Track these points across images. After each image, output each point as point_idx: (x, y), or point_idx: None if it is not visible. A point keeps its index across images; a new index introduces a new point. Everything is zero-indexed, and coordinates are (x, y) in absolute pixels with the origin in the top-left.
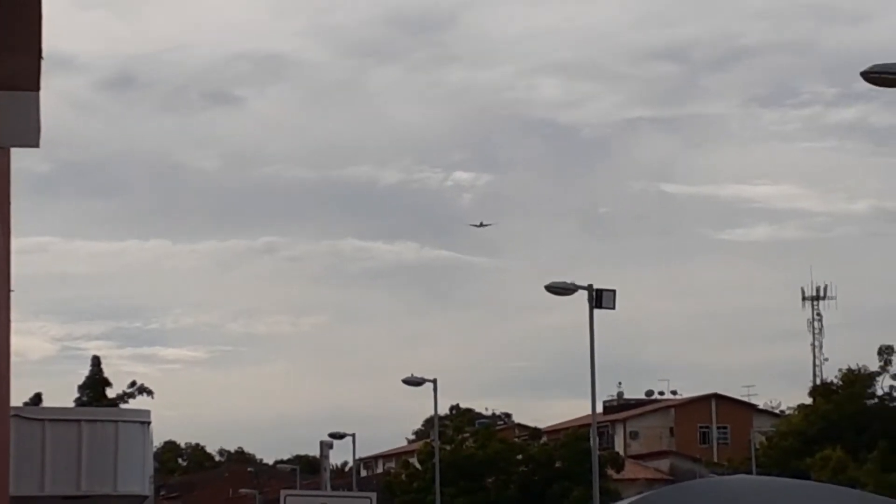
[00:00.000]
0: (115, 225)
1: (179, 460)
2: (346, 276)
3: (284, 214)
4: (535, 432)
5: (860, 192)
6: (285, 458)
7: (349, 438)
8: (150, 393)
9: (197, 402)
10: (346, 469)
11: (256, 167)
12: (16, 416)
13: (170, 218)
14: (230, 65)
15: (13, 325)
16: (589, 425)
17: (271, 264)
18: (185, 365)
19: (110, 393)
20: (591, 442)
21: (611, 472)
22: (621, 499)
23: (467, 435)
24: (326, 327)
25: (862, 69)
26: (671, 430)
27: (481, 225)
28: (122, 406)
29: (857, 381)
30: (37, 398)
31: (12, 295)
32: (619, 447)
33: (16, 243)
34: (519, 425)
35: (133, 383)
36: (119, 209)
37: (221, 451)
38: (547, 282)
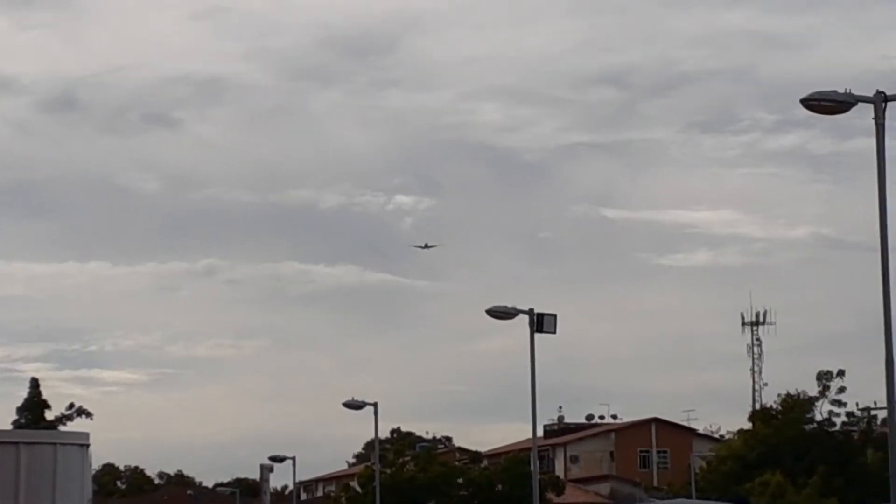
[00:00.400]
0: (55, 247)
1: (118, 483)
2: (287, 299)
3: (225, 237)
4: (475, 456)
5: (799, 219)
6: (225, 481)
7: (289, 461)
8: (88, 415)
9: (136, 424)
10: (287, 492)
11: (197, 189)
12: None
13: (109, 240)
14: (171, 87)
15: None
16: (529, 449)
17: (212, 287)
18: (125, 387)
19: (49, 415)
20: (532, 466)
21: (551, 496)
22: None
23: (408, 458)
24: (267, 350)
25: (801, 96)
26: (611, 454)
27: (426, 246)
28: (61, 428)
29: (797, 406)
30: None
31: None
32: (559, 471)
33: None
34: (460, 449)
35: (72, 405)
36: (58, 231)
37: (161, 474)
38: (488, 306)
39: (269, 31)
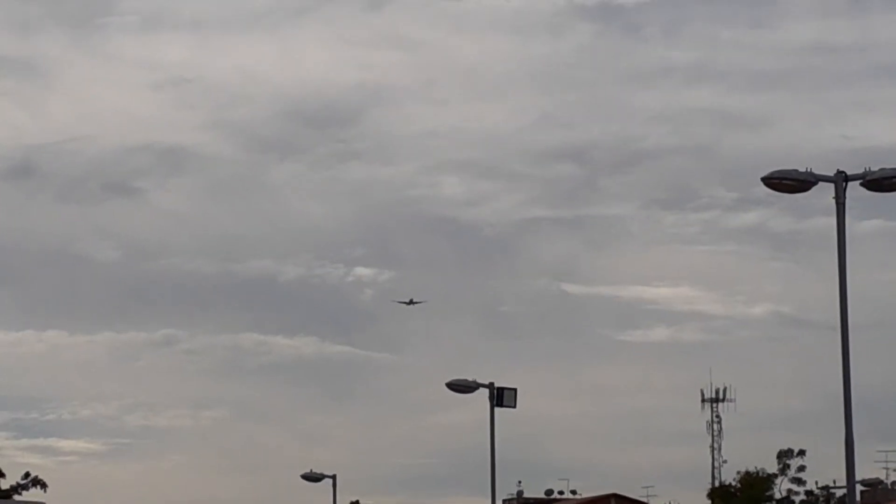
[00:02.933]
0: (12, 314)
1: None
2: (246, 370)
3: (184, 307)
4: None
5: (759, 297)
6: None
7: None
8: (44, 486)
9: (92, 494)
10: None
11: (156, 259)
12: None
13: (67, 309)
14: (132, 156)
15: None
16: None
17: (170, 357)
18: (82, 457)
19: (3, 484)
20: None
21: None
22: None
23: None
24: (225, 421)
25: (761, 174)
26: None
27: (411, 302)
28: (16, 498)
29: (756, 483)
30: None
31: None
32: None
33: None
34: None
35: (27, 475)
36: (16, 299)
37: None
38: (448, 379)
39: (230, 102)
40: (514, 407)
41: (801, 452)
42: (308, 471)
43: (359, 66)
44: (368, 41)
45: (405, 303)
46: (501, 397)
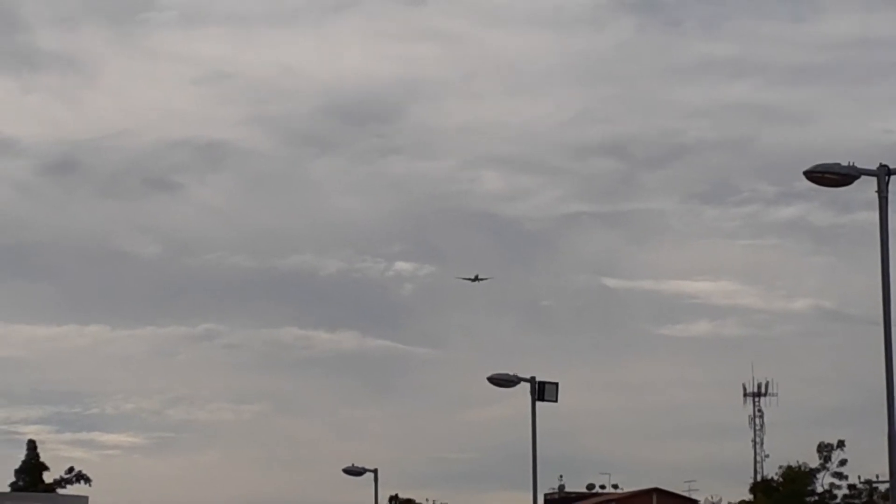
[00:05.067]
0: (55, 310)
1: None
2: (286, 364)
3: (224, 302)
4: None
5: (799, 291)
6: None
7: None
8: (87, 480)
9: (135, 488)
10: None
11: (196, 254)
12: None
13: (109, 303)
14: (172, 151)
15: None
16: None
17: (211, 351)
18: (124, 451)
19: (48, 477)
20: None
21: None
22: None
23: None
24: (266, 415)
25: (802, 168)
26: None
27: (476, 279)
28: (60, 491)
29: (798, 478)
30: None
31: None
32: None
33: None
34: None
35: (71, 469)
36: (59, 294)
37: None
38: (489, 373)
39: (271, 98)
40: (556, 401)
41: (841, 444)
42: (349, 465)
43: (398, 60)
44: (408, 36)
45: (470, 279)
46: (543, 392)
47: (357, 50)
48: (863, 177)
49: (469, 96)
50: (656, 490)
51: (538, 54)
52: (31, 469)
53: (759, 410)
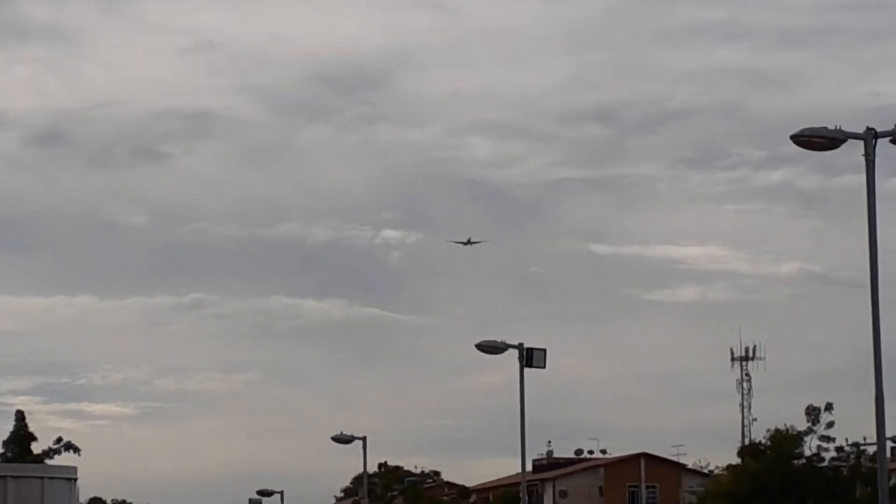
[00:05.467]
0: (43, 281)
1: None
2: (276, 333)
3: (213, 271)
4: (464, 491)
5: (787, 255)
6: None
7: (278, 496)
8: (76, 450)
9: (125, 458)
10: None
11: (185, 224)
12: None
13: (97, 274)
14: (159, 121)
15: None
16: (518, 483)
17: (200, 321)
18: (114, 421)
19: (36, 448)
20: (521, 500)
21: None
22: None
23: (396, 493)
24: (256, 385)
25: (789, 132)
26: (600, 489)
27: (468, 242)
28: (49, 462)
29: (786, 441)
30: None
31: None
32: None
33: None
34: (448, 483)
35: (59, 439)
36: (46, 265)
37: None
38: (478, 340)
39: (258, 67)
40: (544, 367)
41: (829, 408)
42: (338, 433)
43: (386, 28)
44: (396, 4)
45: (463, 243)
46: (531, 358)
47: (346, 19)
48: (850, 140)
49: (458, 64)
50: (644, 455)
51: (526, 21)
52: (20, 440)
53: (747, 375)
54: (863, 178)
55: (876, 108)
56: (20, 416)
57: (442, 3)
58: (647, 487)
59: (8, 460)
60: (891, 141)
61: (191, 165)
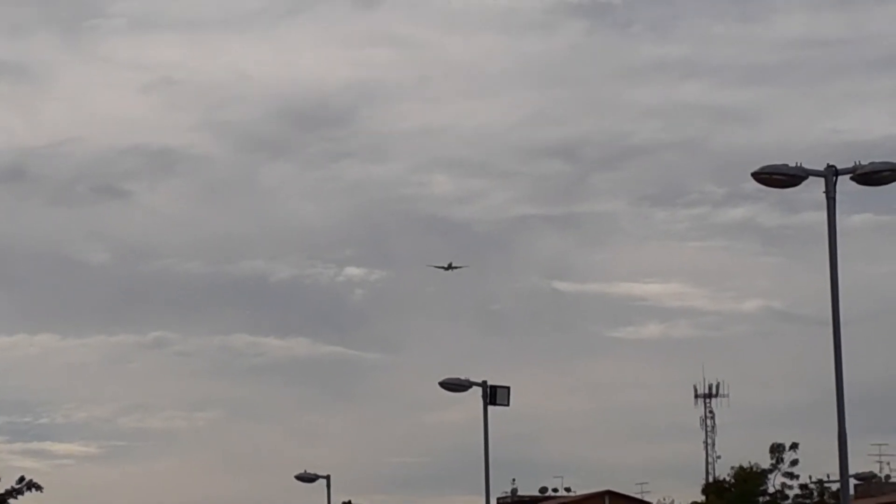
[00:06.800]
0: (3, 318)
1: None
2: (239, 371)
3: (175, 309)
4: None
5: (750, 292)
6: None
7: None
8: (38, 488)
9: (88, 497)
10: None
11: (147, 261)
12: None
13: (59, 312)
14: (122, 158)
15: None
16: None
17: (163, 359)
18: (77, 460)
19: None
20: None
21: None
22: None
23: None
24: (219, 422)
25: (751, 169)
26: None
27: (450, 267)
28: (11, 502)
29: (750, 478)
30: None
31: None
32: None
33: None
34: None
35: (21, 479)
36: (7, 303)
37: None
38: (441, 378)
39: (220, 103)
40: (508, 405)
41: (794, 446)
42: (302, 471)
43: (351, 64)
44: (360, 40)
45: (443, 267)
46: (494, 395)
47: (310, 55)
48: (810, 177)
49: (422, 100)
50: (608, 493)
51: (490, 57)
52: None
53: (711, 412)
54: (824, 215)
55: (838, 144)
56: None
57: (406, 39)
58: None
59: None
60: (851, 178)
61: (154, 202)
